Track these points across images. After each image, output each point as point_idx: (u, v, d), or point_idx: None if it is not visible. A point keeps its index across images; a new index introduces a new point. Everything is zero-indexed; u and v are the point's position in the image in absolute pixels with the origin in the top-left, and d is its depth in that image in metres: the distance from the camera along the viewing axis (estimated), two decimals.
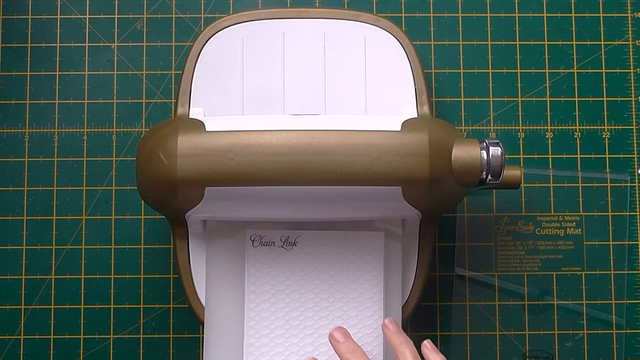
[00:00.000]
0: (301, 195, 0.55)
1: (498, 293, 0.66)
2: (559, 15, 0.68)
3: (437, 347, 0.54)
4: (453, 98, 0.68)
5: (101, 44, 0.68)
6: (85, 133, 0.67)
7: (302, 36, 0.62)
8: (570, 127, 0.67)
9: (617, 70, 0.68)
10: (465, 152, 0.55)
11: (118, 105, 0.67)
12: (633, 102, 0.68)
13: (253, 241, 0.58)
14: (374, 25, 0.62)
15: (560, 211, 0.67)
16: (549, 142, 0.67)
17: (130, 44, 0.68)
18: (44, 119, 0.67)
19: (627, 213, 0.66)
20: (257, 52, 0.61)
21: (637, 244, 0.66)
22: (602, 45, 0.68)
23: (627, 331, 0.66)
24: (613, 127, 0.67)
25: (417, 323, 0.65)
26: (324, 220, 0.58)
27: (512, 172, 0.58)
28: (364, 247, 0.58)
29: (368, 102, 0.61)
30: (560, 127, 0.67)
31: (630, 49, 0.68)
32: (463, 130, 0.67)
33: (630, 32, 0.68)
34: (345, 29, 0.62)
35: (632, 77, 0.68)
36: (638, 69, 0.68)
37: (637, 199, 0.67)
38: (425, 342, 0.56)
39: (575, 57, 0.68)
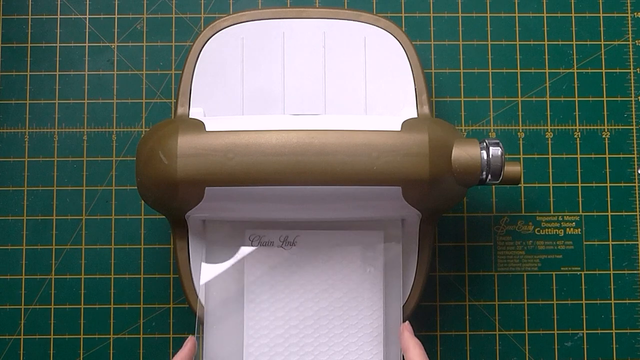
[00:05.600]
0: (301, 195, 0.55)
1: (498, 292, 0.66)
2: (559, 15, 0.68)
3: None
4: (453, 98, 0.68)
5: (101, 44, 0.68)
6: (85, 133, 0.67)
7: (302, 36, 0.62)
8: (570, 127, 0.67)
9: (617, 70, 0.68)
10: (465, 152, 0.55)
11: (118, 105, 0.67)
12: (633, 102, 0.68)
13: (252, 241, 0.58)
14: (374, 25, 0.62)
15: (559, 211, 0.67)
16: (549, 142, 0.67)
17: (130, 44, 0.68)
18: (44, 119, 0.67)
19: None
20: (257, 52, 0.61)
21: (637, 244, 0.66)
22: (602, 45, 0.68)
23: (627, 331, 0.66)
24: (613, 127, 0.67)
25: (417, 323, 0.65)
26: (324, 220, 0.58)
27: (512, 168, 0.58)
28: (364, 246, 0.58)
29: (368, 102, 0.61)
30: (560, 127, 0.67)
31: (630, 49, 0.68)
32: (463, 130, 0.67)
33: (630, 32, 0.68)
34: (345, 29, 0.62)
35: (632, 77, 0.68)
36: (638, 69, 0.68)
37: (637, 198, 0.67)
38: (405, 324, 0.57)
39: (575, 57, 0.68)
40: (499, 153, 0.56)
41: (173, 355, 0.61)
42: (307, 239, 0.58)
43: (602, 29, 0.68)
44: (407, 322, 0.58)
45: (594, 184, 0.67)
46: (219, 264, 0.59)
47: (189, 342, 0.57)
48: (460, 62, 0.68)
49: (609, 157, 0.67)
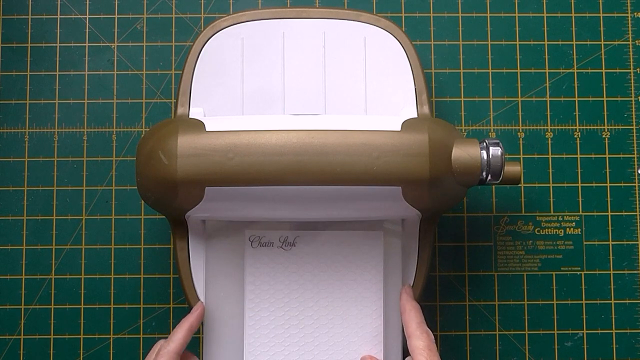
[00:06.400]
0: (301, 195, 0.55)
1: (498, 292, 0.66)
2: (559, 15, 0.68)
3: (437, 347, 0.54)
4: (453, 98, 0.68)
5: (101, 44, 0.68)
6: (85, 133, 0.67)
7: (302, 36, 0.62)
8: (570, 127, 0.67)
9: (617, 70, 0.68)
10: (465, 152, 0.55)
11: (118, 105, 0.67)
12: (633, 102, 0.68)
13: (252, 242, 0.58)
14: (374, 25, 0.62)
15: (559, 211, 0.67)
16: (549, 142, 0.67)
17: (130, 44, 0.68)
18: (44, 119, 0.67)
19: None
20: (257, 52, 0.61)
21: (637, 244, 0.66)
22: (602, 45, 0.68)
23: (627, 331, 0.66)
24: (613, 127, 0.67)
25: None
26: (324, 220, 0.58)
27: (512, 168, 0.58)
28: (363, 246, 0.58)
29: (368, 102, 0.61)
30: (560, 127, 0.67)
31: (630, 49, 0.68)
32: (463, 130, 0.67)
33: (630, 32, 0.68)
34: (345, 29, 0.62)
35: (632, 77, 0.68)
36: (638, 69, 0.68)
37: (637, 198, 0.67)
38: (405, 287, 0.58)
39: (575, 57, 0.68)
40: (499, 153, 0.56)
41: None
42: (307, 239, 0.58)
43: (602, 29, 0.68)
44: (407, 285, 0.59)
45: (594, 184, 0.67)
46: (219, 265, 0.59)
47: (199, 308, 0.58)
48: (460, 62, 0.68)
49: (609, 157, 0.67)
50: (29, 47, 0.67)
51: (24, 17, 0.68)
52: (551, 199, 0.67)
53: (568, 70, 0.68)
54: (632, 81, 0.68)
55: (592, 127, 0.67)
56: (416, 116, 0.60)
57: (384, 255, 0.58)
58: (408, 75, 0.61)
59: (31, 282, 0.65)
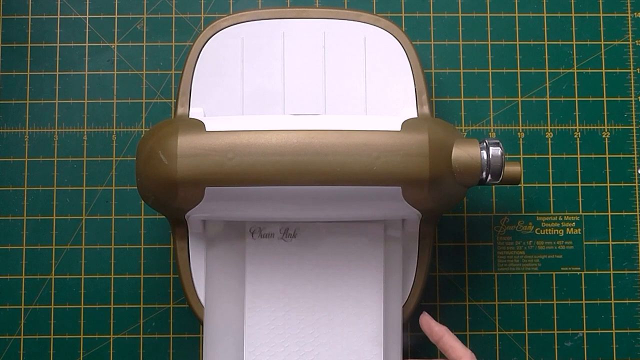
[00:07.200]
0: (301, 195, 0.55)
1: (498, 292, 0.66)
2: (559, 15, 0.68)
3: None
4: (453, 98, 0.68)
5: (101, 44, 0.68)
6: (85, 133, 0.67)
7: (302, 36, 0.62)
8: (570, 127, 0.67)
9: (617, 70, 0.68)
10: (465, 152, 0.55)
11: (118, 105, 0.67)
12: (633, 102, 0.68)
13: (252, 233, 0.58)
14: (374, 25, 0.62)
15: (559, 211, 0.67)
16: (549, 142, 0.67)
17: (130, 44, 0.68)
18: (44, 119, 0.67)
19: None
20: (257, 52, 0.61)
21: (637, 244, 0.66)
22: (602, 45, 0.68)
23: (627, 331, 0.66)
24: (613, 127, 0.67)
25: (417, 323, 0.65)
26: (324, 221, 0.58)
27: (512, 168, 0.59)
28: (364, 237, 0.58)
29: (368, 102, 0.61)
30: (560, 127, 0.67)
31: (630, 49, 0.68)
32: (463, 130, 0.67)
33: (630, 32, 0.68)
34: (345, 29, 0.62)
35: (632, 77, 0.68)
36: (638, 69, 0.68)
37: (637, 198, 0.67)
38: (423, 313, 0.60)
39: (575, 57, 0.68)
40: (499, 153, 0.56)
41: (172, 356, 0.61)
42: (308, 230, 0.58)
43: (602, 29, 0.68)
44: (424, 312, 0.61)
45: (594, 184, 0.67)
46: (219, 264, 0.59)
47: None
48: (460, 62, 0.68)
49: (609, 157, 0.67)
50: (29, 47, 0.67)
51: (24, 17, 0.68)
52: (551, 199, 0.67)
53: (568, 70, 0.68)
54: (632, 81, 0.68)
55: (592, 127, 0.67)
56: (416, 116, 0.60)
57: (384, 255, 0.58)
58: (408, 75, 0.61)
59: (31, 282, 0.65)
